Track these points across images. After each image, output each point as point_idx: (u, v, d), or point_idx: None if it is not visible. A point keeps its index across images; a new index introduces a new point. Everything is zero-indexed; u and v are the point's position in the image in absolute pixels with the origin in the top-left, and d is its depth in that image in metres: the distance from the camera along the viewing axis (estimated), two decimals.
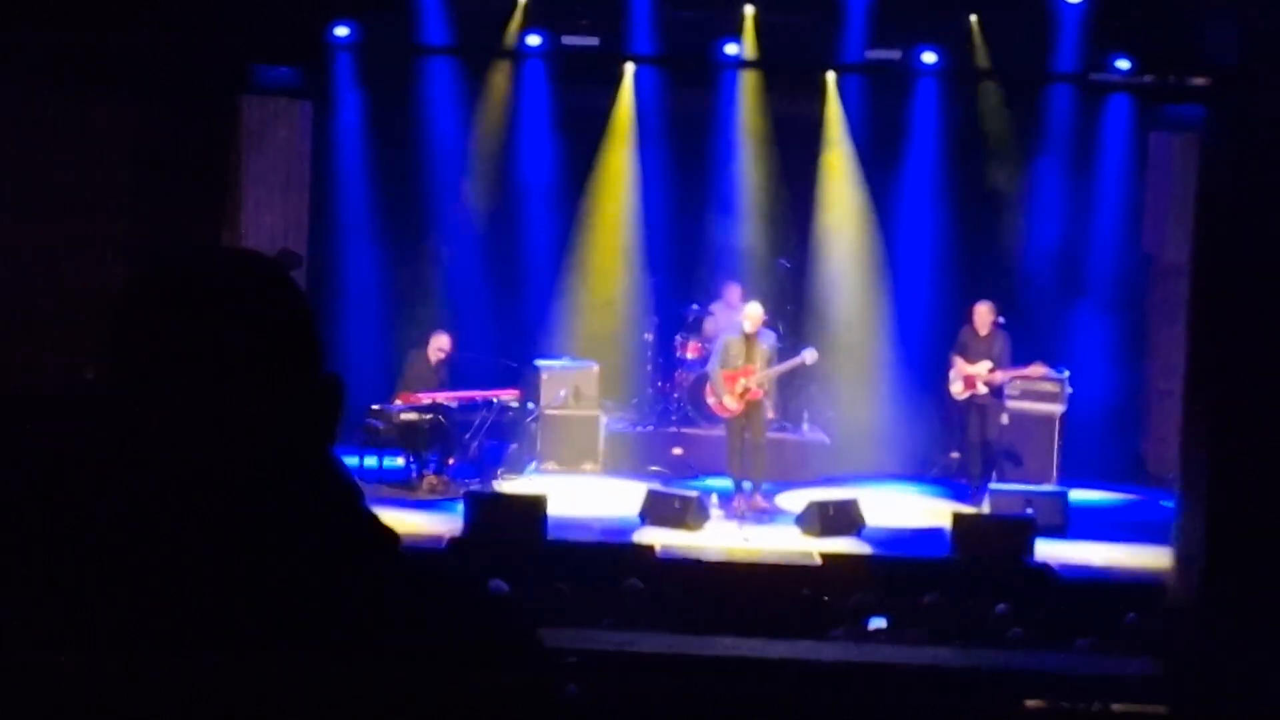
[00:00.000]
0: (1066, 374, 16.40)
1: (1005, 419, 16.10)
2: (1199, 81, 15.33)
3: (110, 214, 15.17)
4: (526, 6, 17.12)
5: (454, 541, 12.79)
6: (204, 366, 1.84)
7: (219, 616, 1.80)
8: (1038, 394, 16.42)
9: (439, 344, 16.05)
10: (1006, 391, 16.09)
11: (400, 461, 15.76)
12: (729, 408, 14.65)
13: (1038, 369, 16.00)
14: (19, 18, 13.68)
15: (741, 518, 14.35)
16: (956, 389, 15.97)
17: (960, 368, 15.88)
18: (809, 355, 14.91)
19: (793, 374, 15.75)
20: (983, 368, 15.76)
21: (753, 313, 14.85)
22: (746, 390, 14.51)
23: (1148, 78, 16.50)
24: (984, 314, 15.92)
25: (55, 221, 15.16)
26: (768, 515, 14.58)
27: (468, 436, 15.73)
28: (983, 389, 15.82)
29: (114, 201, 15.22)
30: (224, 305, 1.88)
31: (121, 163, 15.26)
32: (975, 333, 15.95)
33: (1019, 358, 15.97)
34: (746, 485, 14.81)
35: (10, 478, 1.85)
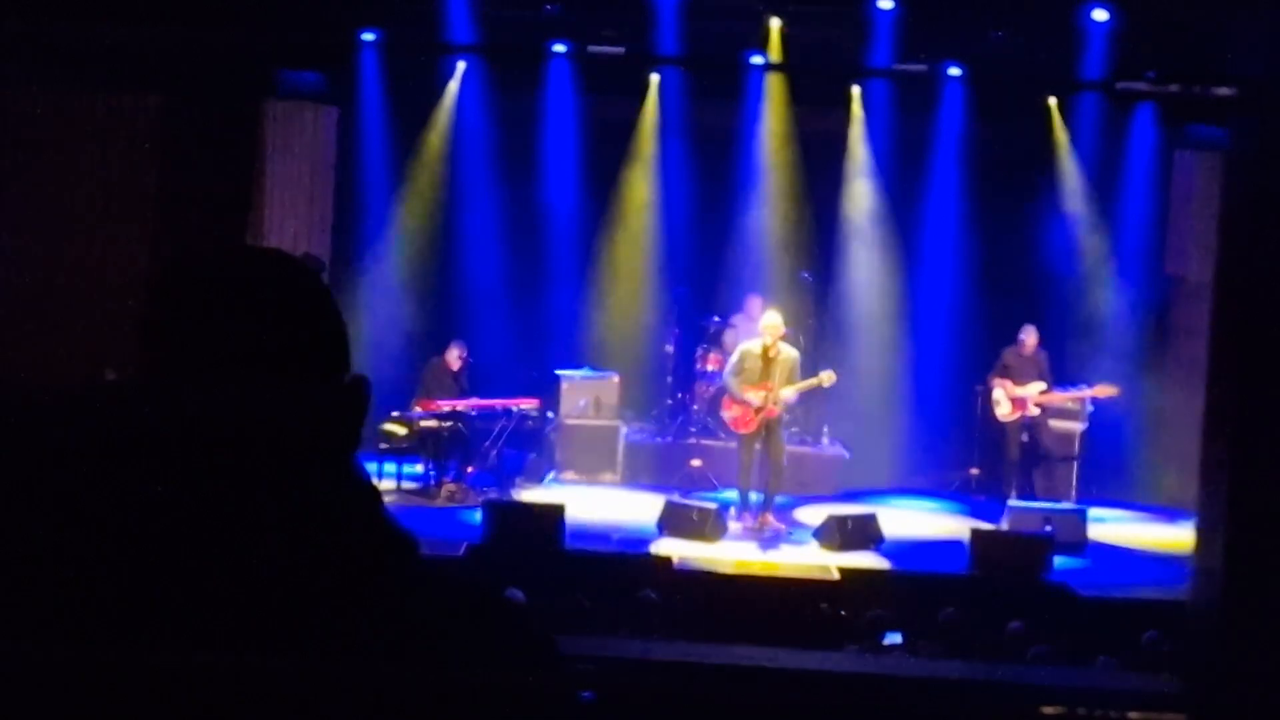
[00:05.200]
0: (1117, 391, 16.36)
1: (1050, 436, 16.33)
2: (1224, 92, 15.31)
3: (136, 215, 15.24)
4: (555, 15, 17.13)
5: (472, 549, 12.79)
6: (229, 364, 1.85)
7: (237, 616, 1.80)
8: (1059, 411, 16.42)
9: (457, 352, 16.08)
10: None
11: (419, 469, 15.78)
12: (751, 404, 14.48)
13: (1106, 389, 16.07)
14: (52, 18, 13.75)
15: (758, 534, 14.32)
16: (1004, 410, 16.03)
17: (1009, 389, 15.96)
18: (826, 377, 14.70)
19: (812, 390, 15.65)
20: (1034, 389, 15.92)
21: (771, 323, 14.57)
22: (762, 409, 14.40)
23: (1173, 87, 16.46)
24: (1031, 335, 16.09)
25: (82, 221, 15.24)
26: (782, 533, 14.51)
27: (487, 445, 15.74)
28: (1034, 410, 15.97)
29: (140, 203, 15.29)
30: (252, 303, 1.88)
31: (148, 164, 15.33)
32: (1019, 353, 16.05)
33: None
34: (754, 498, 14.72)
35: (31, 475, 1.86)
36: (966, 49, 17.05)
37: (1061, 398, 16.11)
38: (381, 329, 16.70)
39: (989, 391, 16.31)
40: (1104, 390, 16.09)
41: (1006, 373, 16.10)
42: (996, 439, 16.63)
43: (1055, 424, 16.38)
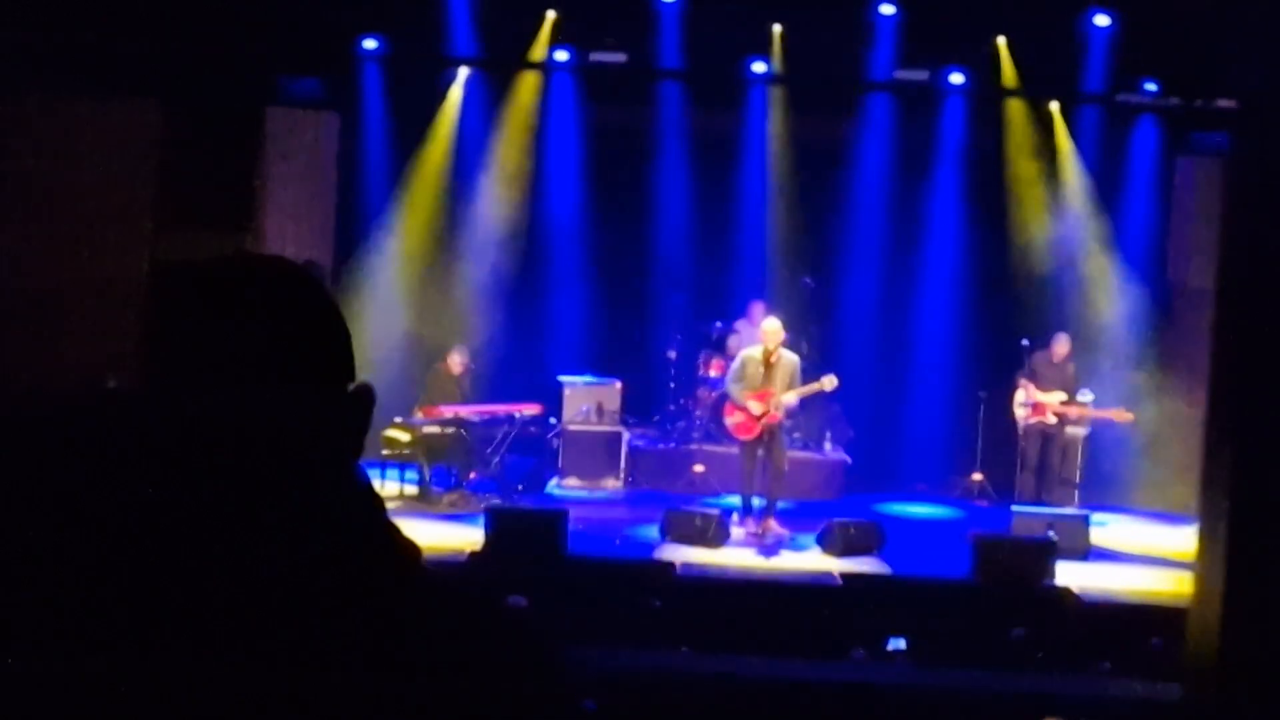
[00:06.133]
0: (1091, 397, 16.36)
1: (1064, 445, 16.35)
2: (1225, 104, 15.30)
3: (136, 222, 15.24)
4: (555, 22, 17.14)
5: (474, 556, 12.78)
6: (232, 371, 1.84)
7: (238, 624, 1.80)
8: (1063, 417, 16.42)
9: (459, 357, 16.08)
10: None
11: (422, 474, 15.76)
12: (752, 412, 14.49)
13: (1122, 414, 16.10)
14: (50, 23, 13.77)
15: (760, 539, 14.32)
16: (1022, 413, 16.01)
17: (1031, 392, 15.93)
18: (828, 381, 14.75)
19: (814, 394, 15.64)
20: (1056, 398, 15.89)
21: (771, 329, 14.61)
22: (765, 414, 14.41)
23: (1174, 100, 16.49)
24: (1063, 344, 16.08)
25: (81, 228, 15.23)
26: (785, 539, 14.51)
27: (489, 451, 15.74)
28: (1052, 418, 15.94)
29: (140, 209, 15.28)
30: (255, 310, 1.87)
31: (149, 171, 15.32)
32: (1049, 360, 16.04)
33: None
34: (756, 503, 14.72)
35: (34, 482, 1.86)
36: (968, 55, 17.07)
37: (1080, 411, 16.10)
38: (383, 335, 16.68)
39: (1013, 390, 16.30)
40: (1119, 415, 16.13)
41: (1033, 376, 16.10)
42: (1002, 442, 16.61)
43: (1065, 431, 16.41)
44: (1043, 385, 16.07)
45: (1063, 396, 16.03)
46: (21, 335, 14.50)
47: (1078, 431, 16.51)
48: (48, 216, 15.18)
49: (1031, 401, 16.01)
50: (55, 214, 15.20)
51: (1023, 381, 16.13)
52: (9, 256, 15.06)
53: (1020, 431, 16.23)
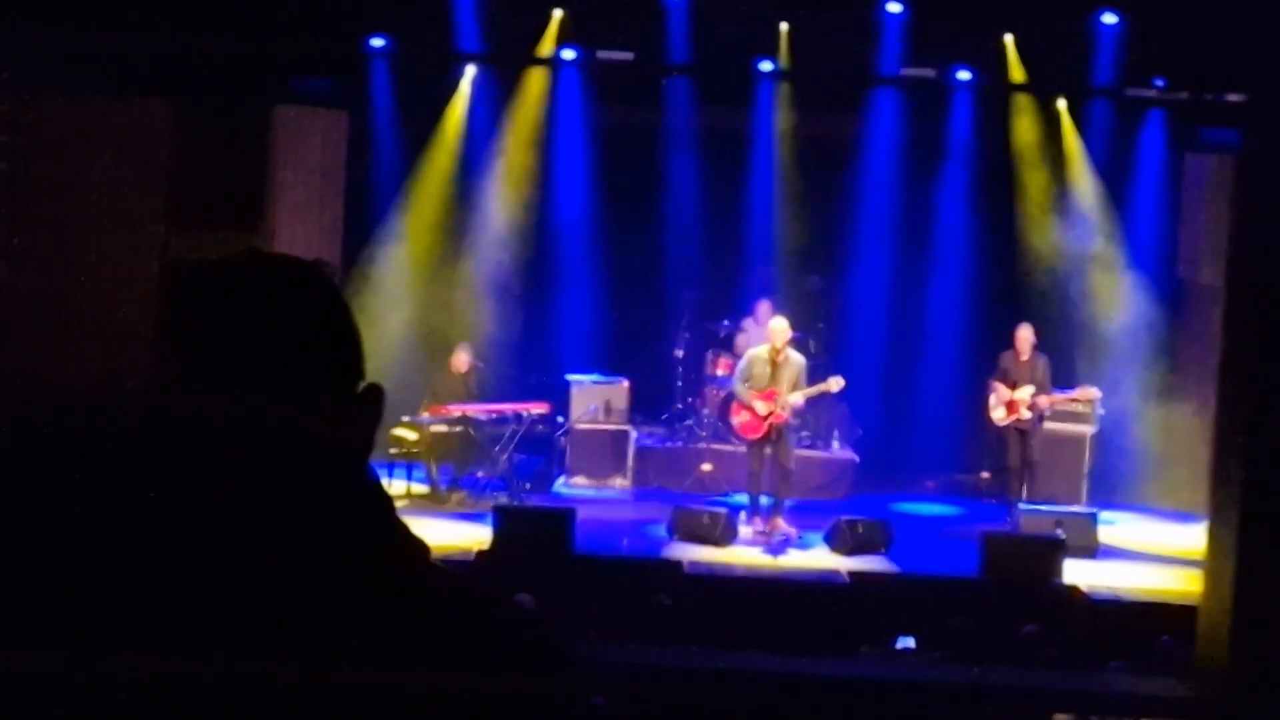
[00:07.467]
0: (1098, 394, 16.30)
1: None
2: (1234, 98, 15.27)
3: (148, 221, 15.26)
4: (563, 21, 17.13)
5: (482, 554, 12.77)
6: (245, 371, 1.85)
7: (249, 622, 1.80)
8: (1069, 414, 16.35)
9: (464, 355, 16.08)
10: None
11: (430, 473, 15.76)
12: (758, 411, 14.47)
13: (1088, 392, 15.92)
14: (62, 25, 13.79)
15: (767, 539, 14.31)
16: (999, 415, 15.79)
17: (1002, 393, 15.75)
18: (834, 383, 14.70)
19: (821, 394, 15.60)
20: (1026, 392, 15.63)
21: (778, 328, 14.56)
22: (771, 414, 14.39)
23: (1184, 94, 16.45)
24: (1025, 337, 15.79)
25: (94, 228, 15.26)
26: (792, 538, 14.49)
27: (497, 449, 15.73)
28: (1026, 414, 15.69)
29: (152, 209, 15.31)
30: (268, 310, 1.88)
31: (159, 171, 15.35)
32: (1016, 357, 15.82)
33: (1055, 379, 15.93)
34: (764, 501, 14.70)
35: (47, 480, 1.86)
36: (976, 53, 17.04)
37: (1050, 400, 15.90)
38: (391, 334, 16.69)
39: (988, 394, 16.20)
40: (1085, 394, 15.98)
41: (1005, 377, 15.93)
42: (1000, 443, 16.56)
43: (1055, 427, 16.25)
44: (1015, 383, 15.86)
45: (1032, 389, 15.75)
46: (34, 333, 14.52)
47: (1085, 429, 16.44)
48: (60, 217, 15.21)
49: (1005, 401, 15.80)
50: (68, 214, 15.23)
51: (994, 385, 15.94)
52: (24, 256, 15.08)
53: (1003, 433, 16.08)
